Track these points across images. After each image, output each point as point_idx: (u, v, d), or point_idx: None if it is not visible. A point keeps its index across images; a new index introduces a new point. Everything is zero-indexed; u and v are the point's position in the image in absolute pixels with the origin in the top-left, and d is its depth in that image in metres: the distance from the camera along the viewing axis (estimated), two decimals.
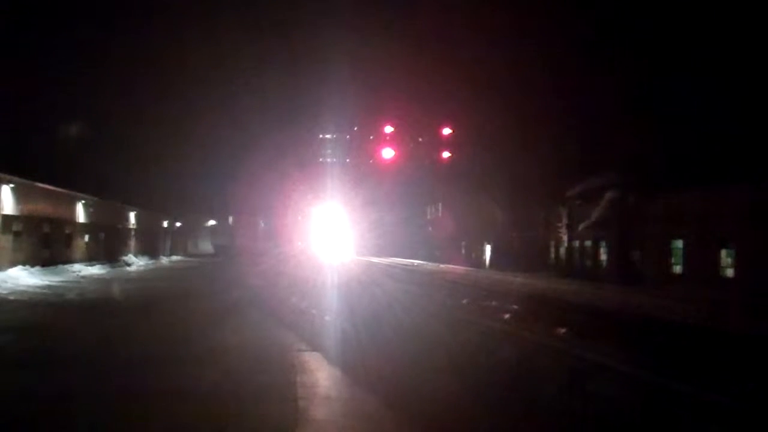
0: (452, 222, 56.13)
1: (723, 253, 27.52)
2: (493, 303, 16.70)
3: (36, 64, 40.61)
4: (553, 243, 42.20)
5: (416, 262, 44.79)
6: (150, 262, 51.62)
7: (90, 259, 41.32)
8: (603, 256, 36.68)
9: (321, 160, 42.93)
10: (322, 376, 9.73)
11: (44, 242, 35.37)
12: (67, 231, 39.59)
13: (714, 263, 27.58)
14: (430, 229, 60.84)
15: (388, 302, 15.51)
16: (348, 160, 39.34)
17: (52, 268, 32.66)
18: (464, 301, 17.19)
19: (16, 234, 31.96)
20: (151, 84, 58.22)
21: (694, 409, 6.66)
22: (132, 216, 54.73)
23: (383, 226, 56.39)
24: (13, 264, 30.07)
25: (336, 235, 45.96)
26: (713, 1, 28.86)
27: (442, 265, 43.31)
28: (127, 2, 61.17)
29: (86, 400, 8.03)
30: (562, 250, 40.93)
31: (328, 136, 41.67)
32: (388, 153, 29.50)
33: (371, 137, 33.44)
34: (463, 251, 54.66)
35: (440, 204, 59.79)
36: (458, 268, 41.30)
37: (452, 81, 39.95)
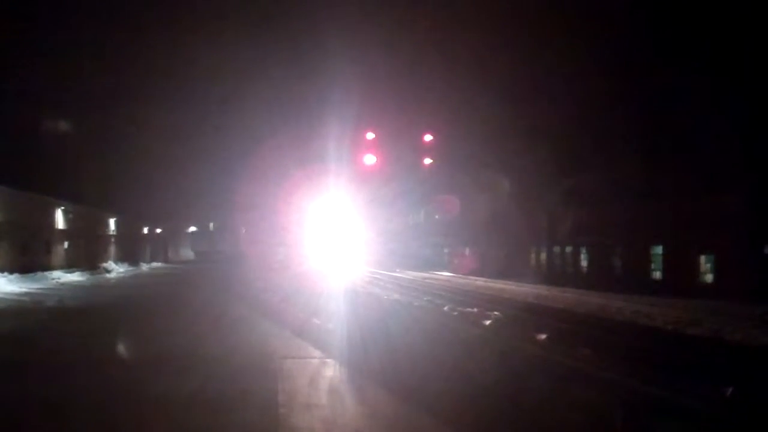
0: (434, 229, 56.24)
1: (702, 259, 27.88)
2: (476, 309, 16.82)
3: (21, 65, 40.11)
4: (534, 249, 42.38)
5: (397, 270, 44.77)
6: (130, 269, 51.21)
7: (69, 265, 40.96)
8: (584, 263, 36.95)
9: (307, 165, 42.84)
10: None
11: (23, 249, 35.02)
12: (46, 237, 39.24)
13: (693, 269, 27.93)
14: (409, 238, 60.67)
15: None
16: (332, 166, 39.27)
17: (31, 275, 32.33)
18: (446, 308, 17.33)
19: None
20: (133, 89, 57.77)
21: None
22: (112, 222, 54.37)
23: (366, 234, 56.23)
24: None
25: (315, 243, 45.90)
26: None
27: (424, 274, 43.42)
28: None
29: (61, 410, 7.95)
30: (543, 256, 41.14)
31: (315, 142, 41.60)
32: (369, 159, 29.47)
33: (353, 144, 33.36)
34: (446, 258, 54.76)
35: (422, 211, 59.83)
36: (440, 276, 41.48)
37: (435, 90, 40.04)
